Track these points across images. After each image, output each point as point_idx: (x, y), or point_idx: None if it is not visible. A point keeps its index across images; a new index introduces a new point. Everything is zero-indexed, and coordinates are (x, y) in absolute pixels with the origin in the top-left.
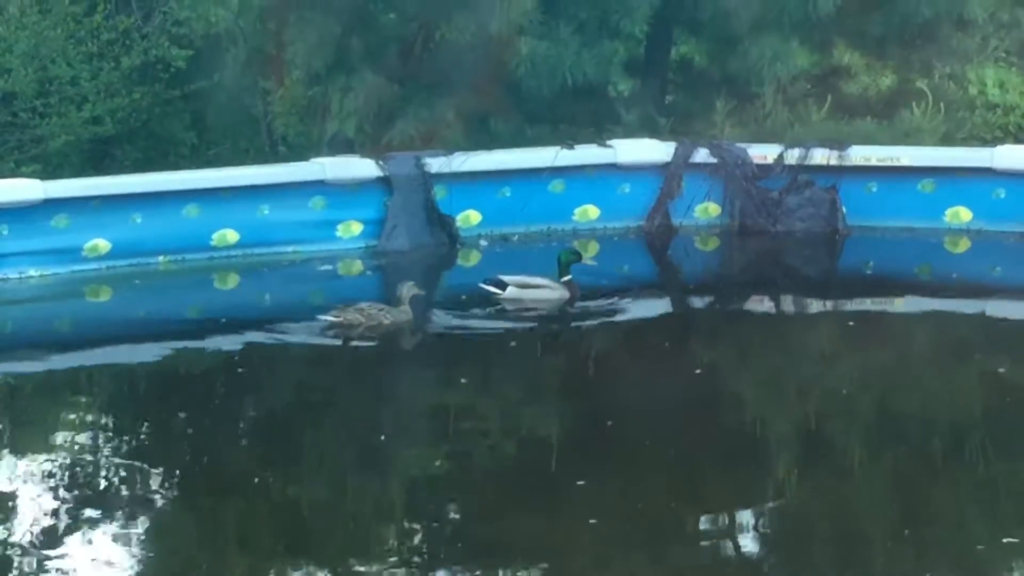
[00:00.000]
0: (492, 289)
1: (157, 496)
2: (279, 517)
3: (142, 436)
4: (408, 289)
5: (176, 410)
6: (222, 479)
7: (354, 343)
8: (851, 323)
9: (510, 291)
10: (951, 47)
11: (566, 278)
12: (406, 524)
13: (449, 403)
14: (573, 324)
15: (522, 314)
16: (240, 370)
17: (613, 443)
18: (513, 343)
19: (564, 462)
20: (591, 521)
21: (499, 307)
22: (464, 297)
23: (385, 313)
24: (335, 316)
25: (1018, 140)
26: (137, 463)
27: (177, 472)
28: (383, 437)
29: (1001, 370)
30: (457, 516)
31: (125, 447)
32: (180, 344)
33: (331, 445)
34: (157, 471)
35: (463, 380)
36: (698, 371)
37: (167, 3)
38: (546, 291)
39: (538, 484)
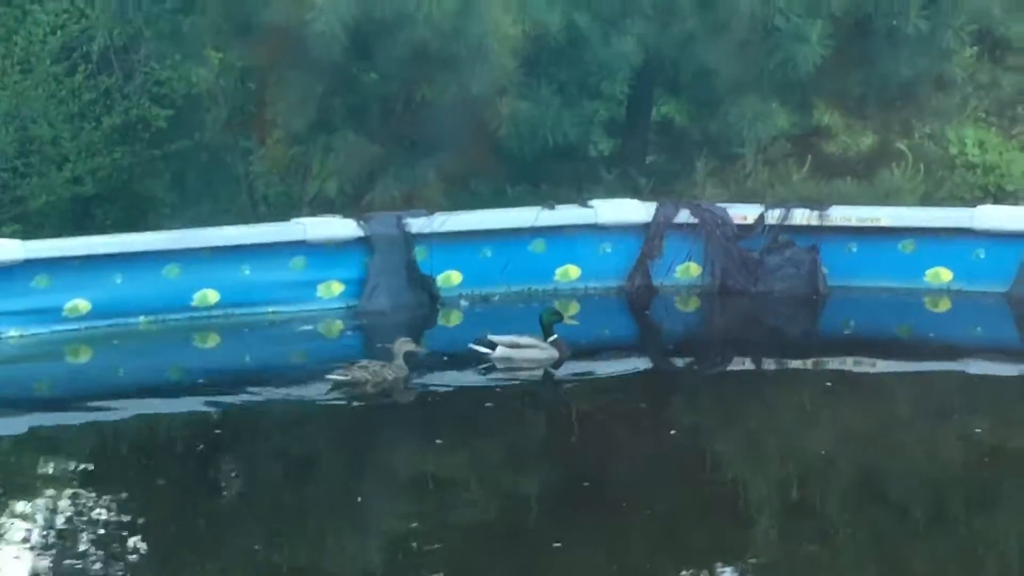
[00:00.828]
0: (482, 349)
1: (133, 557)
2: None
3: (121, 497)
4: (402, 344)
5: (155, 471)
6: (200, 540)
7: (334, 402)
8: (831, 383)
9: (499, 351)
10: (931, 107)
11: (553, 337)
12: None
13: (429, 463)
14: (554, 383)
15: (508, 374)
16: (218, 431)
17: (590, 504)
18: (489, 404)
19: (541, 523)
20: None
21: (488, 366)
22: (446, 358)
23: (387, 369)
24: (342, 375)
25: (998, 200)
26: (115, 524)
27: (154, 534)
28: (360, 499)
29: (981, 430)
30: None
31: (103, 508)
32: (160, 405)
33: (307, 507)
34: (135, 532)
35: (440, 440)
36: (677, 432)
37: (148, 63)
38: (535, 351)
39: (515, 546)
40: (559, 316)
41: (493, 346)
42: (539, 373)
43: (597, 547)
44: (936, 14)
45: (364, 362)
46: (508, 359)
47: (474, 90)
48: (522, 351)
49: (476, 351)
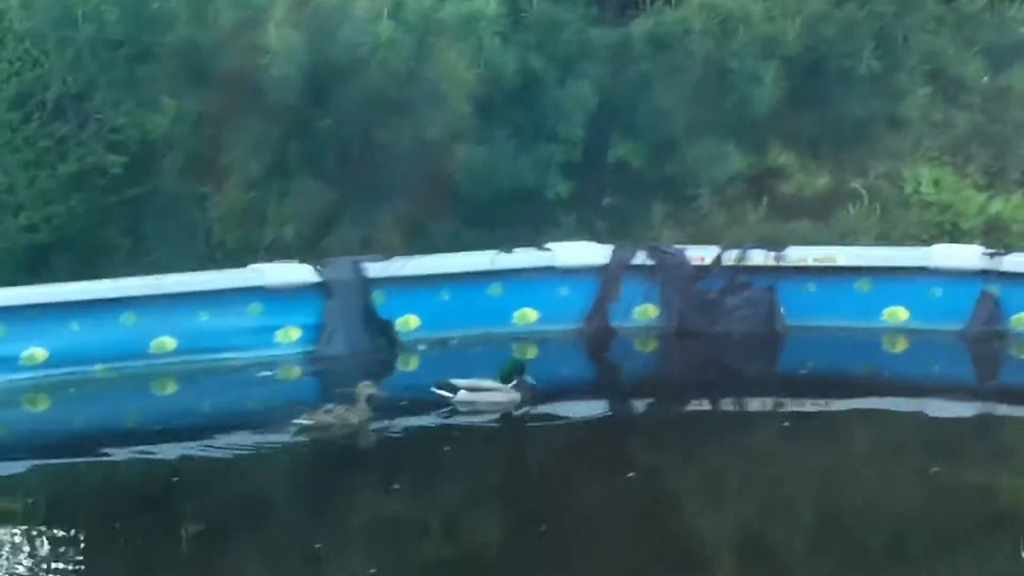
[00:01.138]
0: (443, 392)
1: None
2: None
3: (77, 544)
4: (365, 388)
5: (112, 519)
6: None
7: (292, 447)
8: (790, 423)
9: (461, 394)
10: (885, 147)
11: (523, 379)
12: None
13: (387, 508)
14: (512, 426)
15: (465, 418)
16: (176, 478)
17: (548, 549)
18: (447, 448)
19: (498, 568)
20: None
21: (449, 410)
22: (405, 402)
23: (352, 413)
24: (308, 419)
25: (953, 239)
26: (71, 572)
27: None
28: (318, 545)
29: (939, 469)
30: None
31: (59, 557)
32: (118, 453)
33: (265, 553)
34: None
35: (398, 486)
36: (635, 474)
37: (102, 110)
38: (497, 394)
39: None
40: (521, 367)
41: (455, 389)
42: (497, 417)
43: None
44: (889, 55)
45: (329, 406)
46: (470, 402)
47: (430, 134)
48: (483, 394)
49: (438, 394)
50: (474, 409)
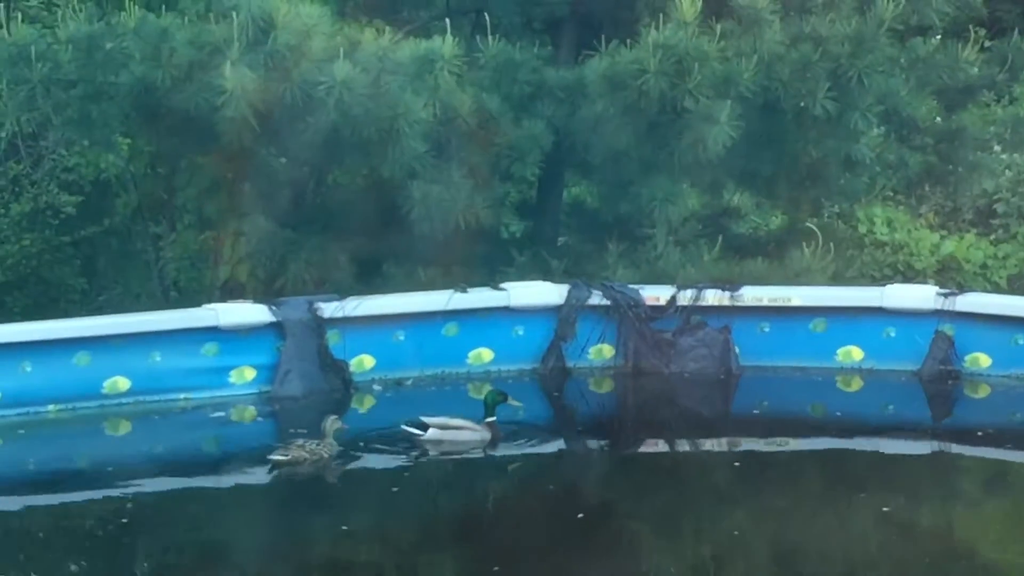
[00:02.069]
0: (413, 430)
1: None
2: None
3: None
4: (332, 423)
5: (63, 562)
6: None
7: (244, 487)
8: (744, 463)
9: (431, 432)
10: (839, 187)
11: (489, 419)
12: None
13: (338, 547)
14: (466, 466)
15: (417, 457)
16: (126, 520)
17: None
18: (396, 488)
19: None
20: None
21: (419, 450)
22: (362, 443)
23: (323, 448)
24: (282, 455)
25: (907, 279)
26: None
27: None
28: None
29: (892, 509)
30: None
31: None
32: (69, 495)
33: None
34: None
35: (346, 527)
36: (585, 515)
37: (56, 150)
38: (467, 432)
39: None
40: (504, 397)
41: (425, 427)
42: (452, 456)
43: None
44: (844, 95)
45: (300, 441)
46: (439, 441)
47: (385, 174)
48: (453, 432)
49: (406, 432)
50: (443, 448)
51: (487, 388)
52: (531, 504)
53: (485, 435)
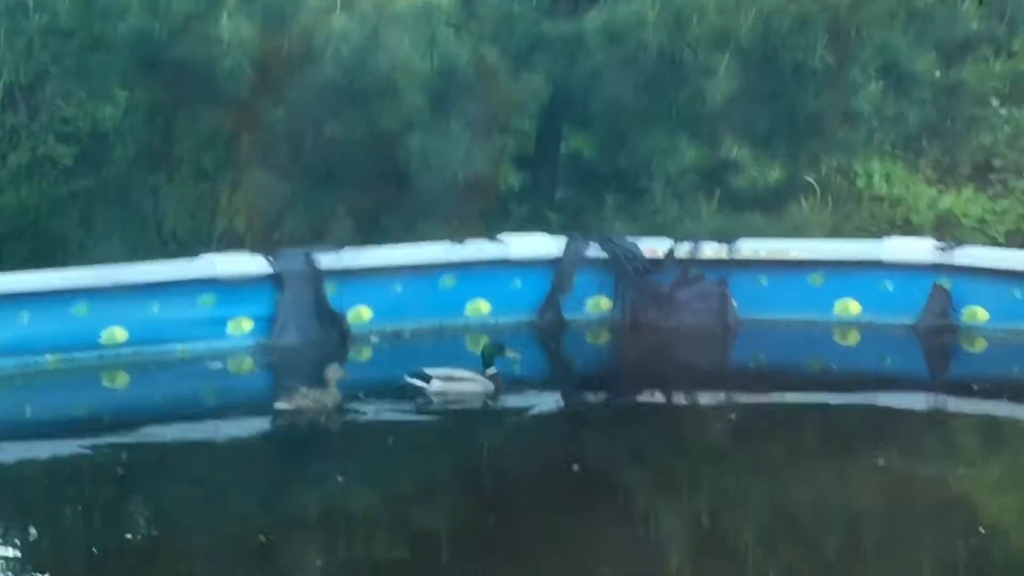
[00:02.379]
0: (417, 382)
1: None
2: None
3: (25, 536)
4: (334, 371)
5: (61, 511)
6: None
7: (240, 439)
8: (741, 417)
9: (435, 384)
10: (838, 140)
11: (491, 371)
12: None
13: (336, 499)
14: (462, 419)
15: (413, 410)
16: (123, 470)
17: (494, 541)
18: (391, 440)
19: (445, 560)
20: None
21: (423, 400)
22: (362, 394)
23: (326, 396)
24: (286, 404)
25: (905, 233)
26: (17, 563)
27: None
28: (262, 537)
29: (887, 463)
30: None
31: (7, 552)
32: (68, 445)
33: (212, 546)
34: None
35: (341, 477)
36: (580, 466)
37: (54, 101)
38: (470, 384)
39: None
40: (501, 349)
41: (428, 379)
42: (445, 408)
43: None
44: (842, 48)
45: (304, 390)
46: (443, 392)
47: (383, 125)
48: (457, 384)
49: (410, 383)
50: (447, 399)
51: (484, 340)
52: (527, 456)
53: (488, 386)
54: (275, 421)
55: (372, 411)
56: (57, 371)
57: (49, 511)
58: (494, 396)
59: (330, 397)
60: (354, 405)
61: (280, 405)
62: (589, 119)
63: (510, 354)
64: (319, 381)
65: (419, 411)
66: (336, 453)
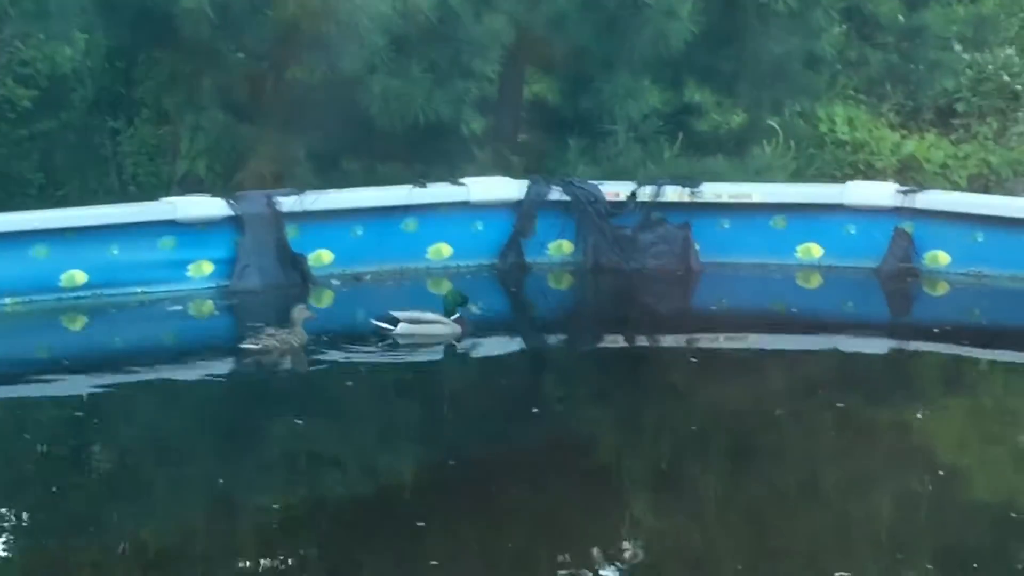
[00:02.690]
0: (383, 325)
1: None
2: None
3: None
4: (300, 312)
5: (19, 454)
6: (66, 522)
7: (202, 381)
8: (703, 360)
9: (402, 327)
10: (801, 84)
11: (455, 316)
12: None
13: (295, 441)
14: (423, 362)
15: (375, 353)
16: (83, 413)
17: (455, 484)
18: (350, 383)
19: (405, 502)
20: (432, 563)
21: (388, 342)
22: (325, 338)
23: (292, 336)
24: (253, 343)
25: (867, 177)
26: None
27: (21, 516)
28: (221, 480)
29: (847, 405)
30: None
31: None
32: (26, 388)
33: (172, 488)
34: (6, 512)
35: (301, 421)
36: (539, 410)
37: (12, 43)
38: (438, 326)
39: (378, 525)
40: (464, 300)
41: (395, 322)
42: (405, 353)
43: (461, 527)
44: None
45: (271, 330)
46: (410, 335)
47: (344, 68)
48: (424, 327)
49: (377, 326)
50: (414, 342)
51: (447, 286)
52: (486, 400)
53: (455, 328)
54: (235, 363)
55: (333, 353)
56: (16, 314)
57: (8, 453)
58: (460, 339)
59: (296, 337)
60: (318, 348)
61: (246, 345)
62: (552, 62)
63: (472, 307)
64: (286, 321)
65: (382, 353)
66: (294, 395)
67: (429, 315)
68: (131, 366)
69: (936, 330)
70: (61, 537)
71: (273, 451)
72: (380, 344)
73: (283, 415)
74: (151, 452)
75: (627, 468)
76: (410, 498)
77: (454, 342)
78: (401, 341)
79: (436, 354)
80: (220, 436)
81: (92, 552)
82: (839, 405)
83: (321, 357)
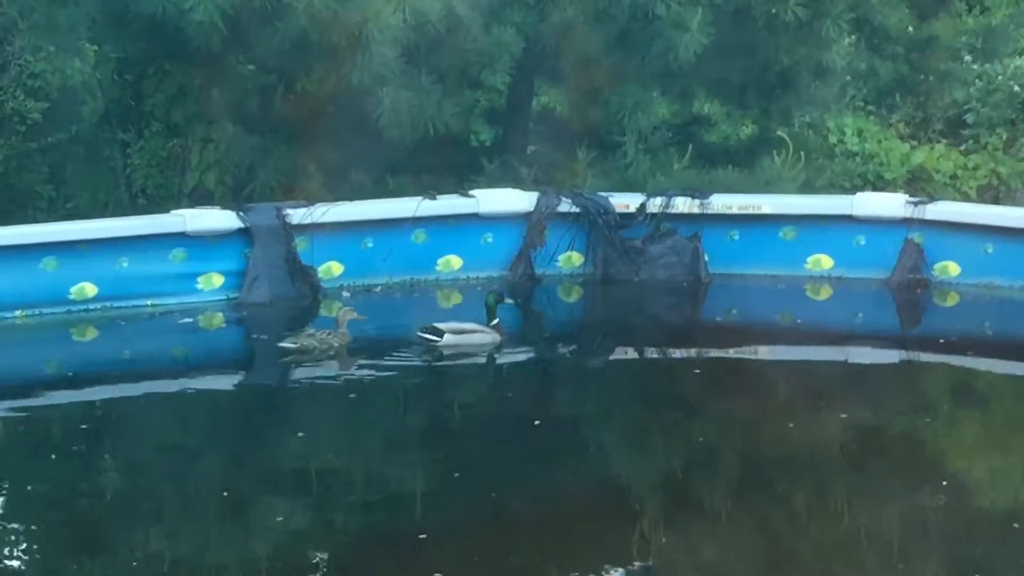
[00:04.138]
0: (429, 336)
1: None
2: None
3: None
4: (345, 313)
5: (30, 466)
6: (76, 534)
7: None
8: (713, 371)
9: (447, 338)
10: (810, 95)
11: (494, 322)
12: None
13: (297, 454)
14: (434, 373)
15: (380, 364)
16: (93, 425)
17: (459, 495)
18: (352, 395)
19: (407, 513)
20: None
21: (436, 353)
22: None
23: (333, 337)
24: (292, 343)
25: (877, 188)
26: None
27: (31, 528)
28: (225, 493)
29: (861, 417)
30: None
31: None
32: (36, 399)
33: (181, 499)
34: (14, 524)
35: (303, 433)
36: (550, 420)
37: (22, 55)
38: (480, 335)
39: (378, 535)
40: (502, 297)
41: (440, 333)
42: (415, 362)
43: (461, 538)
44: (815, 2)
45: (312, 330)
46: (455, 345)
47: (354, 80)
48: (468, 336)
49: (422, 338)
50: (459, 351)
51: (488, 295)
52: (494, 411)
53: (496, 336)
54: (246, 375)
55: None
56: (26, 326)
57: (18, 466)
58: (499, 346)
59: (339, 338)
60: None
61: (284, 344)
62: (561, 74)
63: (508, 301)
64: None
65: (382, 366)
66: (299, 407)
67: (471, 325)
68: (142, 379)
69: (945, 341)
70: (70, 550)
71: (279, 466)
72: (424, 355)
73: (281, 427)
74: (161, 465)
75: (635, 480)
76: (415, 510)
77: (494, 350)
78: (446, 352)
79: (446, 365)
80: (226, 449)
81: (104, 566)
82: (849, 416)
83: (330, 369)
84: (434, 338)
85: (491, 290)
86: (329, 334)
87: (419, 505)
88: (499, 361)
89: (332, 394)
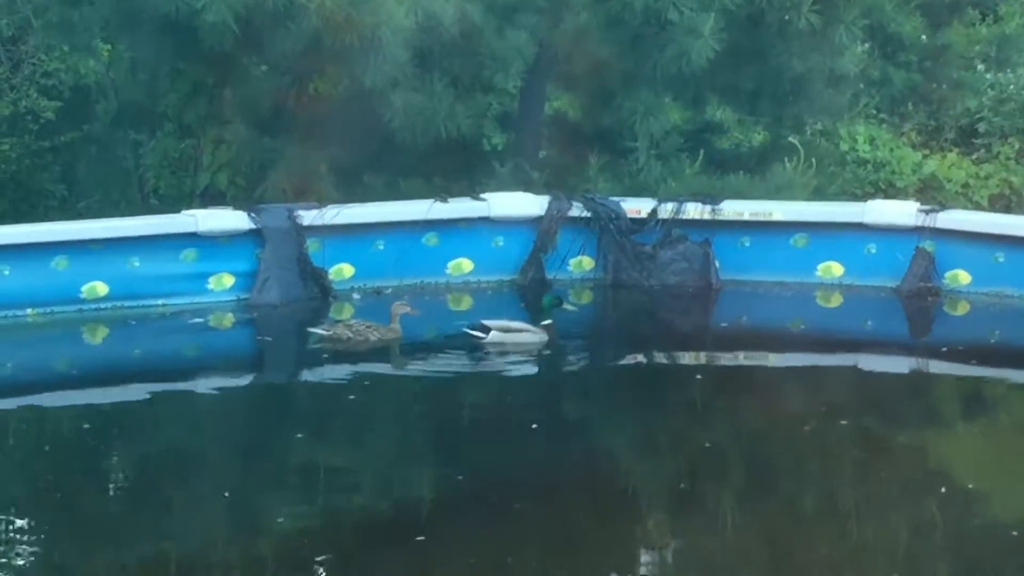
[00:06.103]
0: (476, 333)
1: (15, 552)
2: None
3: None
4: (399, 307)
5: (41, 464)
6: (84, 533)
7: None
8: (722, 378)
9: (493, 335)
10: (822, 103)
11: (546, 322)
12: None
13: (301, 454)
14: (442, 376)
15: (391, 365)
16: (104, 424)
17: (463, 499)
18: (352, 396)
19: (407, 516)
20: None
21: (483, 351)
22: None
23: (372, 330)
24: (325, 330)
25: (888, 196)
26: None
27: (39, 525)
28: (226, 494)
29: (870, 425)
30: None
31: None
32: (47, 398)
33: (185, 499)
34: (21, 522)
35: (300, 434)
36: (562, 425)
37: (36, 54)
38: (527, 335)
39: (378, 538)
40: (560, 302)
41: (487, 331)
42: (426, 366)
43: (461, 541)
44: (828, 9)
45: (351, 320)
46: (501, 343)
47: (367, 82)
48: (514, 335)
49: (471, 335)
50: (505, 350)
51: (546, 294)
52: (501, 416)
53: (543, 336)
54: (254, 376)
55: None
56: (37, 324)
57: (28, 464)
58: (548, 346)
59: (380, 332)
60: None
61: (316, 330)
62: (573, 78)
63: (567, 306)
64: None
65: (390, 368)
66: (298, 408)
67: (519, 324)
68: (152, 378)
69: (955, 350)
70: (79, 548)
71: (286, 465)
72: (471, 353)
73: (286, 430)
74: (172, 464)
75: (643, 485)
76: (416, 513)
77: (542, 350)
78: (492, 349)
79: (455, 369)
80: (237, 448)
81: (112, 565)
82: (858, 424)
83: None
84: (480, 335)
85: (553, 292)
86: (368, 326)
87: (419, 506)
88: (507, 365)
89: (334, 394)
